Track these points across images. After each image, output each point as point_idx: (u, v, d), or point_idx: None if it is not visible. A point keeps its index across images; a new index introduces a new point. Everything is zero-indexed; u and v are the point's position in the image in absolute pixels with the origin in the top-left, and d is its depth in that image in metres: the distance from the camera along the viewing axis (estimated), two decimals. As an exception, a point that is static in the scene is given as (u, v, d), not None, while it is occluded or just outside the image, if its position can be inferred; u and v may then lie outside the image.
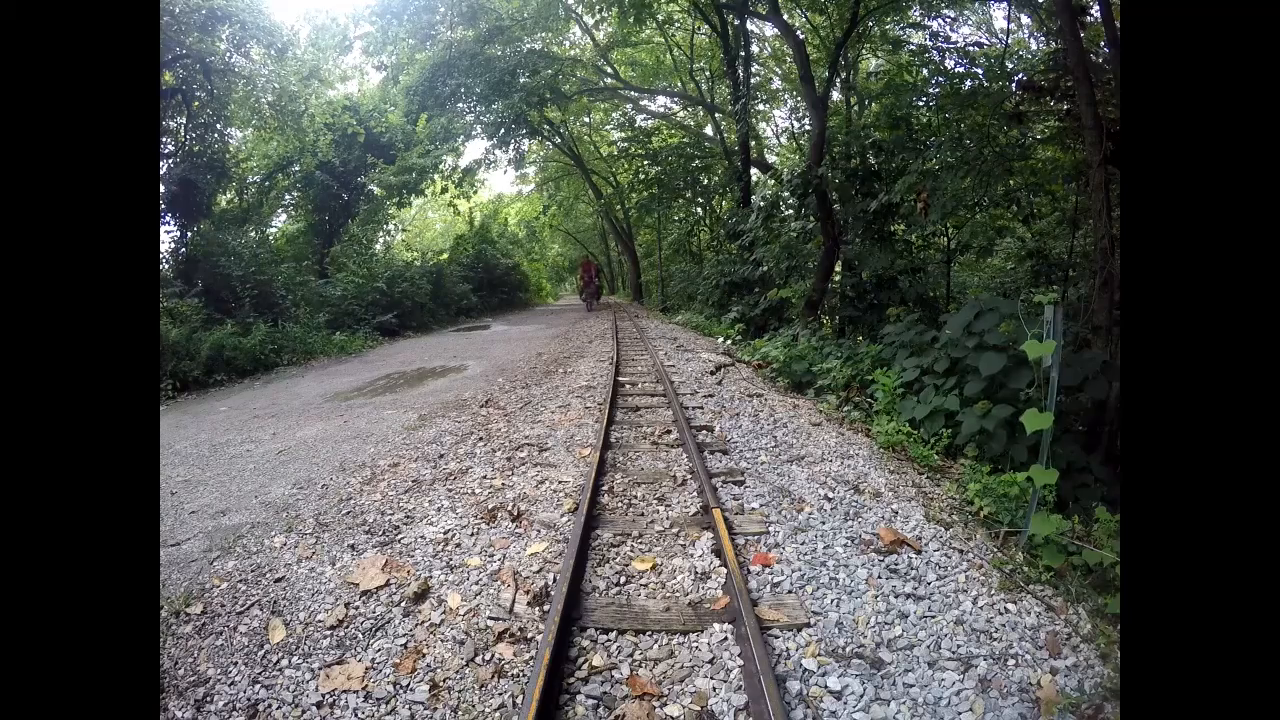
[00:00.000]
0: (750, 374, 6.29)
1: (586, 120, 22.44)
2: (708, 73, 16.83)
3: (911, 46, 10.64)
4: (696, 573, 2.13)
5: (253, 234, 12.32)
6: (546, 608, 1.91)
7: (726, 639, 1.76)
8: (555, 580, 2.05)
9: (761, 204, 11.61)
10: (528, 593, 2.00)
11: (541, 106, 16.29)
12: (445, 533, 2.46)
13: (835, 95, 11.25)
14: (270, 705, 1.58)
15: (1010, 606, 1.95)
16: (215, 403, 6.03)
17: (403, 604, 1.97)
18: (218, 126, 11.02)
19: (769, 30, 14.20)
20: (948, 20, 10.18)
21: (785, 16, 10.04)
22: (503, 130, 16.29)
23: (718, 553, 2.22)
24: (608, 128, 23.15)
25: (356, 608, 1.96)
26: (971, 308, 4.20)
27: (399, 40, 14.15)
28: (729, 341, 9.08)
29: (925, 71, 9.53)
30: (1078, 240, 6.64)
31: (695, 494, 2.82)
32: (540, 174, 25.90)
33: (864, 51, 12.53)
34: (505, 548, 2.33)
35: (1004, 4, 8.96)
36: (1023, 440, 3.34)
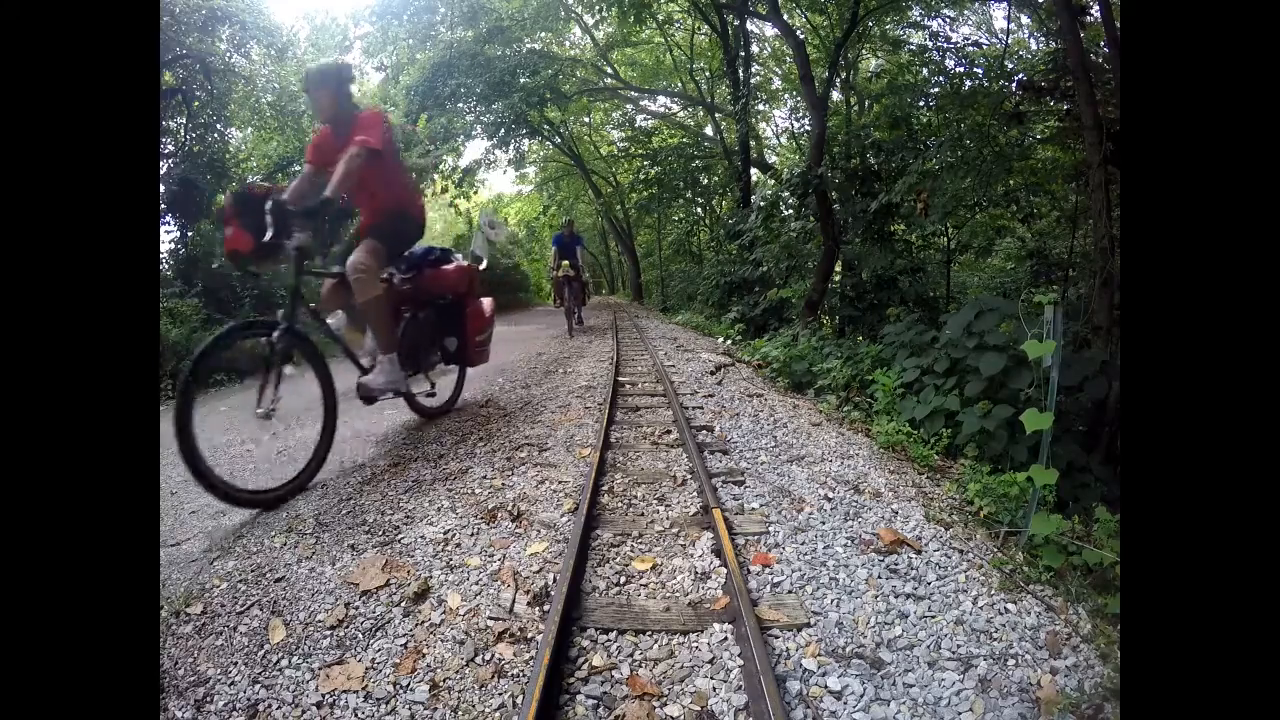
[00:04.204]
0: (750, 374, 6.28)
1: (586, 120, 22.45)
2: (708, 73, 16.84)
3: (911, 46, 10.65)
4: (696, 573, 2.13)
5: (253, 234, 12.29)
6: (546, 608, 1.90)
7: (726, 639, 1.76)
8: (555, 580, 2.05)
9: (761, 204, 11.62)
10: (528, 593, 2.00)
11: (541, 106, 16.28)
12: (445, 533, 2.45)
13: (835, 95, 11.26)
14: (270, 705, 1.58)
15: (1010, 606, 1.95)
16: (215, 403, 6.03)
17: (403, 604, 1.97)
18: (218, 126, 11.01)
19: (769, 30, 14.21)
20: (948, 20, 10.19)
21: (785, 17, 10.04)
22: (503, 130, 16.29)
23: (718, 553, 2.22)
24: (608, 128, 23.17)
25: (356, 608, 1.96)
26: (971, 308, 4.21)
27: (399, 40, 14.18)
28: (729, 341, 9.08)
29: (925, 71, 9.54)
30: (1078, 240, 6.65)
31: (695, 494, 2.82)
32: (540, 174, 25.91)
33: (864, 51, 12.54)
34: (505, 548, 2.33)
35: (1004, 4, 8.96)
36: (1023, 440, 3.35)
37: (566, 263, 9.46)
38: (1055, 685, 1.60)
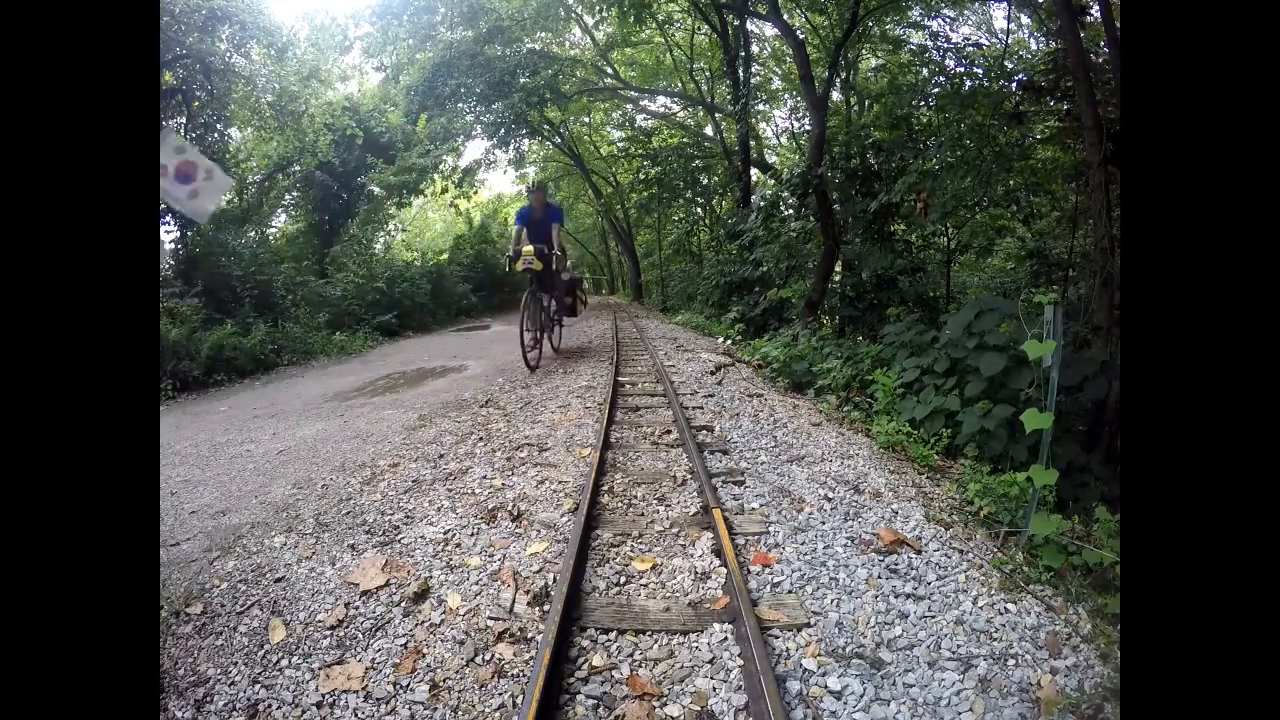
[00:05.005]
0: (750, 374, 6.28)
1: (586, 120, 22.45)
2: (708, 73, 16.84)
3: (911, 46, 10.65)
4: (696, 573, 2.13)
5: (253, 234, 12.32)
6: (546, 608, 1.90)
7: (726, 639, 1.76)
8: (555, 580, 2.05)
9: (761, 204, 11.62)
10: (528, 593, 2.00)
11: (541, 106, 16.27)
12: (445, 533, 2.46)
13: (835, 95, 11.26)
14: (270, 705, 1.58)
15: (1010, 606, 1.95)
16: (215, 403, 6.03)
17: (403, 604, 1.97)
18: (218, 126, 11.03)
19: (769, 30, 14.21)
20: (947, 20, 10.19)
21: (785, 17, 10.04)
22: (503, 130, 16.28)
23: (718, 553, 2.22)
24: (608, 128, 23.17)
25: (356, 608, 1.96)
26: (971, 308, 4.20)
27: (399, 40, 14.17)
28: (729, 341, 9.08)
29: (925, 71, 9.53)
30: (1078, 240, 6.65)
31: (695, 494, 2.82)
32: (540, 174, 25.87)
33: (864, 51, 12.54)
34: (505, 548, 2.33)
35: (1004, 4, 8.96)
36: (1023, 440, 3.35)
37: (531, 249, 5.85)
38: (1055, 685, 1.60)
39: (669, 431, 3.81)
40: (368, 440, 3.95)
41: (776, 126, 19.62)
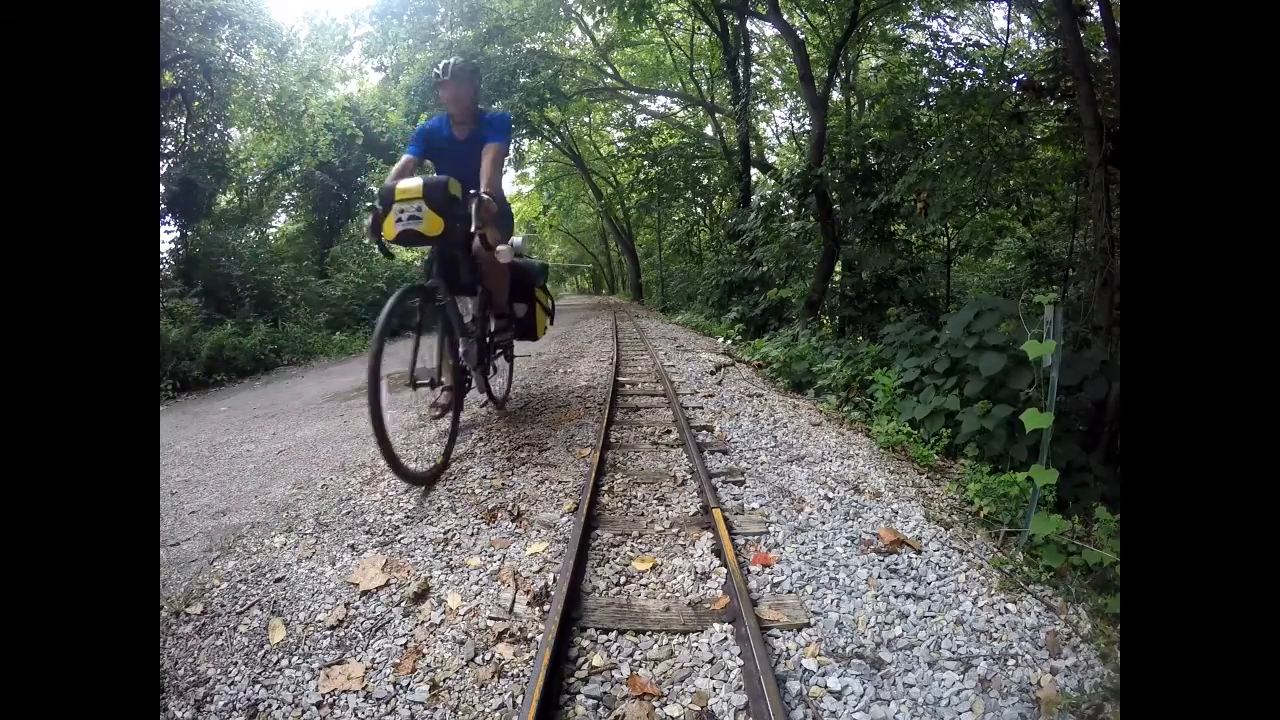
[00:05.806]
0: (750, 374, 6.29)
1: (586, 120, 22.47)
2: (708, 73, 16.87)
3: (912, 46, 10.65)
4: (696, 573, 2.13)
5: (253, 234, 12.35)
6: (546, 608, 1.90)
7: (726, 639, 1.76)
8: (555, 580, 2.05)
9: (761, 204, 11.63)
10: (528, 593, 2.00)
11: (541, 106, 16.29)
12: (445, 533, 2.45)
13: (835, 95, 11.27)
14: (270, 705, 1.58)
15: (1010, 606, 1.95)
16: (215, 403, 6.04)
17: (403, 604, 1.97)
18: (218, 126, 11.06)
19: (769, 30, 14.22)
20: (948, 20, 10.20)
21: (785, 17, 10.04)
22: (502, 130, 16.26)
23: (718, 553, 2.22)
24: (608, 128, 23.19)
25: (356, 608, 1.96)
26: (971, 308, 4.21)
27: (399, 40, 14.19)
28: (729, 341, 9.08)
29: (925, 72, 9.54)
30: (1078, 240, 6.65)
31: (695, 494, 2.82)
32: (540, 174, 25.91)
33: (864, 51, 12.55)
34: (505, 547, 2.33)
35: (1004, 4, 8.96)
36: (1023, 440, 3.35)
37: (414, 186, 2.70)
38: (1055, 685, 1.60)
39: (669, 431, 3.81)
40: (368, 440, 3.94)
41: (776, 126, 19.65)
